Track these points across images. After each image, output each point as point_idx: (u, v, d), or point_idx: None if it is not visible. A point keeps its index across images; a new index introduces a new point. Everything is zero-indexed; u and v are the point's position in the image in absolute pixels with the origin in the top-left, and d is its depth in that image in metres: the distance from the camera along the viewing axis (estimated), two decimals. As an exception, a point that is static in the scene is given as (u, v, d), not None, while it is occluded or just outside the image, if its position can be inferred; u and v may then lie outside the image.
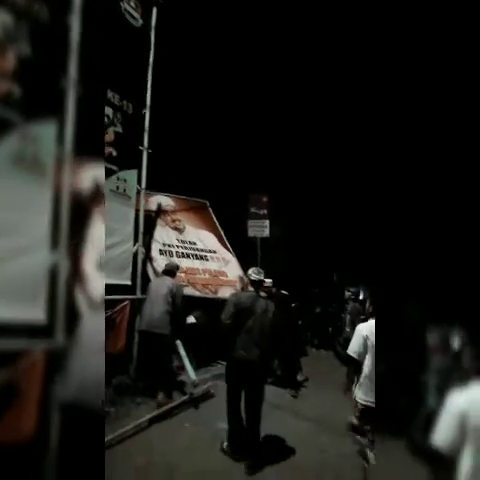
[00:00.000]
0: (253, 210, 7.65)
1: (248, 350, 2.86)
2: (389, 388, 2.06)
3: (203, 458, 2.94)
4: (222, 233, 6.86)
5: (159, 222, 5.84)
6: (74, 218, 1.91)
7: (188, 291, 5.02)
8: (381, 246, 2.20)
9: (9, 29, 1.81)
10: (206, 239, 6.51)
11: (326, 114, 10.02)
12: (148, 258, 5.00)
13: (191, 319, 4.98)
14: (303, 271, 9.88)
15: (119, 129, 4.25)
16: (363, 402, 2.60)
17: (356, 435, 2.85)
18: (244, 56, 9.28)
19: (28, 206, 1.80)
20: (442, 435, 1.41)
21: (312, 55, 9.59)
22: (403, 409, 1.99)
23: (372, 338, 2.58)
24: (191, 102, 8.70)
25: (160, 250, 5.47)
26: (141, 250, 4.68)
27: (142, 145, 4.70)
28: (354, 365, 2.74)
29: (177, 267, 4.54)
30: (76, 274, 1.90)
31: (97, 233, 2.02)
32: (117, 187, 4.20)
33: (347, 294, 7.75)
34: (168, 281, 4.13)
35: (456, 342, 1.80)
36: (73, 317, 1.87)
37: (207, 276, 5.85)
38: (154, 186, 5.53)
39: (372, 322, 2.69)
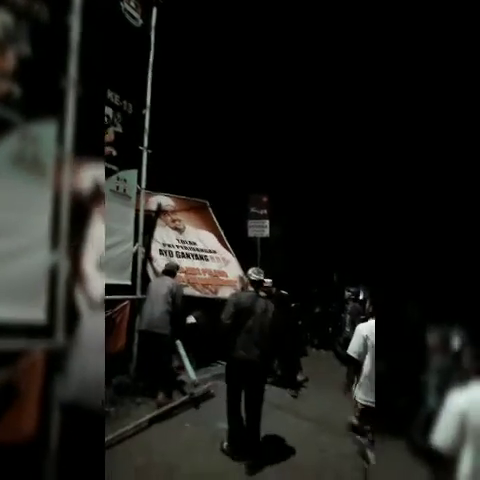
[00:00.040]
0: (253, 210, 7.65)
1: (248, 350, 2.86)
2: (389, 388, 2.06)
3: (203, 458, 2.94)
4: (222, 233, 6.86)
5: (159, 222, 5.84)
6: (74, 218, 1.91)
7: (188, 291, 5.02)
8: (381, 246, 2.20)
9: (9, 29, 1.81)
10: (206, 239, 6.51)
11: (326, 114, 10.02)
12: (148, 258, 5.00)
13: (191, 319, 4.98)
14: (303, 271, 9.88)
15: (119, 129, 4.25)
16: (363, 402, 2.60)
17: (356, 435, 2.85)
18: (244, 56, 9.28)
19: (28, 206, 1.80)
20: (442, 435, 1.41)
21: (312, 55, 9.59)
22: (403, 409, 1.99)
23: (372, 338, 2.58)
24: (191, 102, 8.70)
25: (160, 250, 5.48)
26: (141, 250, 4.67)
27: (142, 145, 4.69)
28: (354, 365, 2.74)
29: (177, 267, 4.53)
30: (76, 274, 1.90)
31: (97, 233, 2.02)
32: (117, 187, 4.19)
33: (347, 294, 7.75)
34: (168, 281, 4.13)
35: (456, 342, 1.81)
36: (73, 317, 1.87)
37: (207, 276, 5.85)
38: (154, 186, 5.53)
39: (372, 322, 2.68)
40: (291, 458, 3.07)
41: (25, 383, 1.75)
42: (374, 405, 2.49)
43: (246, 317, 2.91)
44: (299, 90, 9.96)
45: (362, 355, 2.65)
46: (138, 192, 4.63)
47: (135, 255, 4.51)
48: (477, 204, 1.90)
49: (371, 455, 2.58)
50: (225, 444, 3.04)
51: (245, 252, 7.00)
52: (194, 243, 6.22)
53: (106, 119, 4.02)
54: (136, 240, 4.55)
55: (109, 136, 4.10)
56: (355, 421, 2.80)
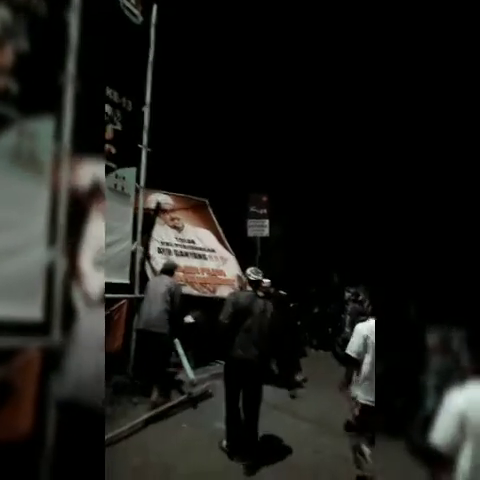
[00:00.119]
0: (253, 209, 7.63)
1: (246, 350, 2.85)
2: (388, 388, 2.06)
3: (200, 459, 2.93)
4: (221, 231, 6.83)
5: (158, 220, 5.82)
6: (72, 215, 1.89)
7: (186, 290, 5.00)
8: (381, 246, 2.20)
9: (7, 24, 1.79)
10: (205, 238, 6.48)
11: (326, 114, 10.01)
12: (146, 257, 4.98)
13: (189, 319, 4.96)
14: (302, 271, 9.88)
15: (118, 127, 4.23)
16: (362, 401, 2.60)
17: (353, 433, 2.85)
18: (244, 54, 9.26)
19: (25, 203, 1.79)
20: (441, 434, 1.41)
21: (313, 54, 9.58)
22: (402, 409, 1.99)
23: (372, 337, 2.59)
24: (191, 100, 8.67)
25: (158, 248, 5.45)
26: (139, 249, 4.66)
27: (141, 143, 4.67)
28: (353, 365, 2.74)
29: (175, 266, 4.52)
30: (73, 272, 1.89)
31: (95, 231, 2.01)
32: (115, 185, 4.18)
33: (347, 295, 7.74)
34: (166, 280, 4.12)
35: (455, 343, 1.80)
36: (70, 315, 1.86)
37: (205, 275, 5.83)
38: (153, 184, 5.51)
39: (372, 322, 2.69)
40: (289, 459, 3.06)
41: (21, 381, 1.74)
42: (373, 404, 2.49)
43: (244, 317, 2.90)
44: (299, 89, 9.95)
45: (362, 354, 2.64)
46: (137, 190, 4.61)
47: (133, 254, 4.50)
48: (476, 205, 1.90)
49: (367, 452, 2.58)
50: (224, 443, 3.04)
51: (244, 251, 6.99)
52: (193, 242, 6.20)
53: (105, 116, 4.00)
54: (134, 239, 4.54)
55: (108, 134, 4.08)
56: (352, 419, 2.80)
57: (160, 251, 5.43)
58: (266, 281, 4.65)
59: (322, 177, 10.39)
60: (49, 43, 1.95)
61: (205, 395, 4.21)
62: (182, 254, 5.80)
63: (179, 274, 5.08)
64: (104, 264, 2.15)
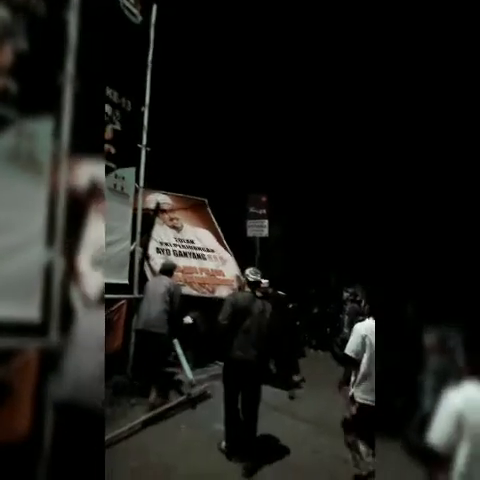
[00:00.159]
0: (252, 210, 7.62)
1: (245, 351, 2.85)
2: (386, 388, 2.06)
3: (199, 460, 2.92)
4: (220, 231, 6.81)
5: (157, 220, 5.81)
6: (70, 216, 1.89)
7: (185, 290, 5.00)
8: (379, 247, 2.20)
9: (6, 24, 1.79)
10: (204, 237, 6.47)
11: (325, 114, 10.02)
12: (145, 257, 4.97)
13: (188, 319, 4.95)
14: (302, 271, 9.88)
15: (117, 126, 4.22)
16: (360, 400, 2.60)
17: (349, 434, 2.86)
18: (244, 54, 9.26)
19: (23, 203, 1.78)
20: (438, 434, 1.42)
21: (312, 54, 9.58)
22: (400, 409, 1.99)
23: (371, 337, 2.59)
24: (190, 100, 8.67)
25: (157, 248, 5.44)
26: (138, 249, 4.65)
27: (140, 143, 4.67)
28: (351, 365, 2.74)
29: (174, 266, 4.52)
30: (71, 272, 1.89)
31: (94, 231, 2.01)
32: (114, 185, 4.17)
33: (345, 295, 7.74)
34: (166, 280, 4.11)
35: (452, 343, 1.80)
36: (68, 316, 1.86)
37: (204, 275, 5.82)
38: (153, 184, 5.51)
39: (370, 321, 2.69)
40: (288, 459, 3.06)
41: (18, 382, 1.73)
42: (372, 403, 2.50)
43: (243, 318, 2.90)
44: (299, 89, 9.96)
45: (360, 354, 2.64)
46: (136, 190, 4.60)
47: (132, 254, 4.49)
48: (476, 204, 1.90)
49: (364, 451, 2.59)
50: (223, 444, 3.03)
51: (244, 252, 6.98)
52: (192, 241, 6.19)
53: (105, 116, 3.99)
54: (133, 239, 4.53)
55: (107, 133, 4.07)
56: (349, 417, 2.80)
57: (159, 251, 5.43)
58: (264, 281, 4.65)
59: (321, 177, 10.40)
60: (48, 43, 1.94)
61: (204, 396, 4.20)
62: (181, 254, 5.79)
63: (178, 274, 5.07)
64: (103, 264, 2.15)
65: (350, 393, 2.72)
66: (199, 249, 6.19)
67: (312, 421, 3.85)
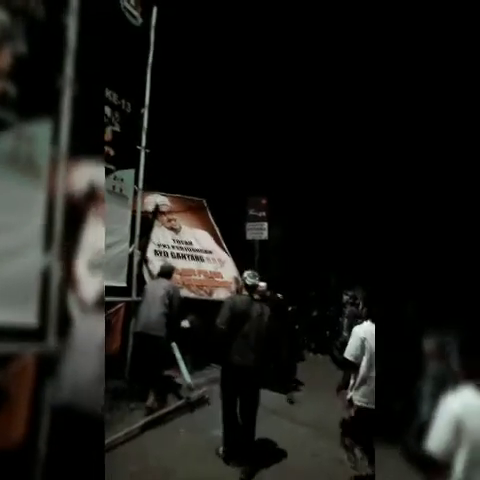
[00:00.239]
0: (252, 212, 7.60)
1: (243, 355, 2.83)
2: (386, 390, 2.06)
3: (198, 466, 2.90)
4: (218, 232, 6.77)
5: (155, 222, 5.80)
6: (68, 219, 1.88)
7: (183, 293, 4.97)
8: (379, 249, 2.19)
9: (5, 27, 1.78)
10: (202, 239, 6.43)
11: (325, 117, 10.03)
12: (144, 260, 4.95)
13: (186, 324, 4.93)
14: (301, 274, 9.87)
15: (117, 128, 4.22)
16: (358, 403, 2.60)
17: (346, 436, 2.86)
18: (244, 57, 9.27)
19: (21, 207, 1.77)
20: (436, 440, 1.41)
21: (312, 58, 9.60)
22: (399, 413, 1.98)
23: (370, 340, 2.59)
24: (190, 102, 8.67)
25: (155, 251, 5.42)
26: (137, 252, 4.63)
27: (140, 144, 4.66)
28: (351, 368, 2.73)
29: (173, 269, 4.50)
30: (69, 277, 1.87)
31: (93, 235, 1.99)
32: (113, 187, 4.16)
33: (345, 298, 7.72)
34: (165, 283, 4.10)
35: (449, 347, 1.80)
36: (65, 321, 1.84)
37: (202, 277, 5.79)
38: (152, 186, 5.49)
39: (368, 324, 2.69)
40: (287, 464, 3.05)
41: (15, 387, 1.72)
42: (370, 406, 2.50)
43: (242, 321, 2.88)
44: (299, 92, 9.97)
45: (359, 357, 2.64)
46: (135, 193, 4.59)
47: (131, 257, 4.47)
48: (476, 207, 1.90)
49: (358, 455, 2.59)
50: (221, 449, 3.02)
51: (243, 254, 6.97)
52: (190, 243, 6.15)
53: (104, 118, 3.99)
54: (132, 241, 4.52)
55: (107, 135, 4.07)
56: (348, 417, 2.80)
57: (157, 253, 5.40)
58: (262, 284, 4.63)
59: (320, 180, 10.40)
60: (47, 46, 1.93)
61: (202, 400, 4.17)
62: (179, 256, 5.76)
63: (176, 276, 5.04)
64: (102, 267, 2.14)
65: (348, 396, 2.72)
66: (197, 251, 6.15)
67: (311, 425, 3.84)
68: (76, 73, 1.99)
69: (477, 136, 1.99)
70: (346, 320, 6.93)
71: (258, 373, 2.96)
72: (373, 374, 2.53)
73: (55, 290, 1.82)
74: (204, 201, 7.07)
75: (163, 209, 6.15)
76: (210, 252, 6.34)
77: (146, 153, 4.69)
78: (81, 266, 1.91)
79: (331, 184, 10.38)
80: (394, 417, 2.01)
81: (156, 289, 4.03)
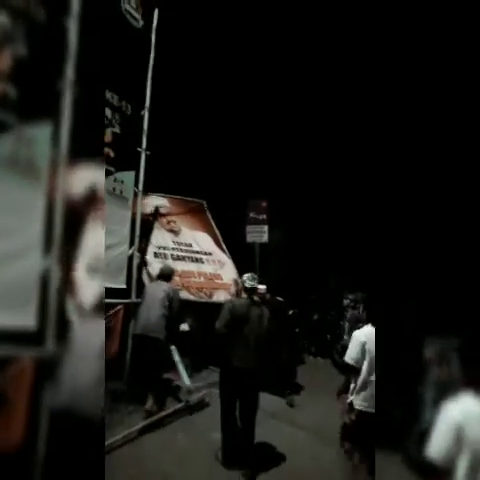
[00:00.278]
0: (252, 215, 7.57)
1: (243, 358, 2.82)
2: (387, 394, 2.05)
3: (197, 469, 2.89)
4: (218, 234, 6.74)
5: (155, 225, 5.78)
6: (68, 223, 1.87)
7: (182, 295, 4.95)
8: (380, 252, 2.19)
9: (6, 29, 1.78)
10: (202, 240, 6.40)
11: (326, 120, 10.05)
12: (143, 262, 4.93)
13: (185, 327, 4.91)
14: (302, 277, 9.84)
15: (117, 130, 4.21)
16: (359, 407, 2.59)
17: (346, 439, 2.85)
18: (245, 60, 9.29)
19: (22, 210, 1.76)
20: (437, 447, 1.40)
21: (312, 61, 9.62)
22: (400, 418, 1.97)
23: (370, 344, 2.58)
24: (191, 104, 8.68)
25: (155, 253, 5.40)
26: (136, 254, 4.62)
27: (140, 146, 4.66)
28: (351, 372, 2.72)
29: (173, 271, 4.49)
30: (68, 280, 1.86)
31: (92, 238, 1.99)
32: (113, 188, 4.16)
33: (346, 302, 7.69)
34: (165, 285, 4.09)
35: (450, 354, 1.79)
36: (64, 324, 1.83)
37: (202, 279, 5.76)
38: (152, 188, 5.48)
39: (369, 328, 2.68)
40: (286, 467, 3.03)
41: (13, 391, 1.71)
42: (371, 410, 2.48)
43: (241, 324, 2.87)
44: (299, 95, 9.99)
45: (360, 361, 2.63)
46: (135, 194, 4.59)
47: (130, 259, 4.46)
48: (477, 212, 1.89)
49: (356, 457, 2.58)
50: (220, 453, 3.00)
51: (243, 257, 6.95)
52: (190, 245, 6.13)
53: (105, 120, 3.99)
54: (132, 243, 4.50)
55: (107, 137, 4.06)
56: (348, 421, 2.79)
57: (156, 256, 5.37)
58: (262, 287, 4.62)
59: (321, 183, 10.41)
60: (47, 49, 1.93)
61: (202, 403, 4.15)
62: (179, 258, 5.74)
63: (175, 278, 5.01)
64: (102, 269, 2.13)
65: (349, 400, 2.71)
66: (197, 253, 6.12)
67: (311, 429, 3.82)
68: (76, 75, 1.99)
69: (477, 136, 1.98)
70: (347, 324, 6.90)
71: (257, 376, 2.95)
72: (374, 378, 2.51)
73: (54, 293, 1.81)
74: (204, 203, 7.04)
75: (163, 211, 6.13)
76: (210, 253, 6.31)
77: (146, 155, 4.68)
78: (80, 270, 1.90)
79: (331, 187, 10.38)
80: (395, 423, 2.00)
81: (156, 291, 4.02)
